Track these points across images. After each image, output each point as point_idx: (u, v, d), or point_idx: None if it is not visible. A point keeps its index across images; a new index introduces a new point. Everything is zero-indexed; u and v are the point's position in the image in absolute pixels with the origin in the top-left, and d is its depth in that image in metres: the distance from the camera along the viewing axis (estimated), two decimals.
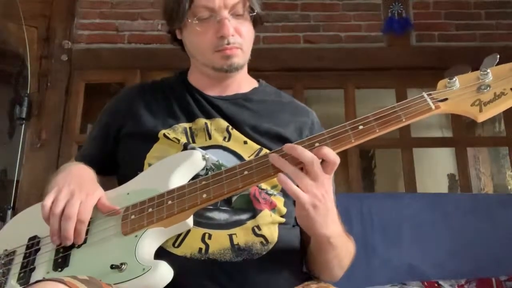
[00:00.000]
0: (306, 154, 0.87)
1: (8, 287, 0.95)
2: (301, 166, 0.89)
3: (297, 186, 0.88)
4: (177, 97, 1.17)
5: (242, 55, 1.12)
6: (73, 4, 2.99)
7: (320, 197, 0.88)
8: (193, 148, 1.05)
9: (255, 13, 1.14)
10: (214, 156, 1.05)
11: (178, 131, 1.09)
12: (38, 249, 0.98)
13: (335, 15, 3.01)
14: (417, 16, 2.99)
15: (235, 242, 0.97)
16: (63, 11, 2.96)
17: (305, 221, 0.92)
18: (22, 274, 0.95)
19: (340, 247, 0.97)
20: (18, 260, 0.99)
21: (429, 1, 3.04)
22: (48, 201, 0.94)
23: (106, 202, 0.98)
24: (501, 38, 2.89)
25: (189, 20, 1.10)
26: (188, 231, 0.96)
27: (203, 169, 1.02)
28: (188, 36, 1.15)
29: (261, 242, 0.99)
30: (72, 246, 0.95)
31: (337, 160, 0.88)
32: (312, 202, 0.87)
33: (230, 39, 1.08)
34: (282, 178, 0.88)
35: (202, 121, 1.11)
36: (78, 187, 0.97)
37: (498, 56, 0.92)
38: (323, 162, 0.89)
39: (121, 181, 1.09)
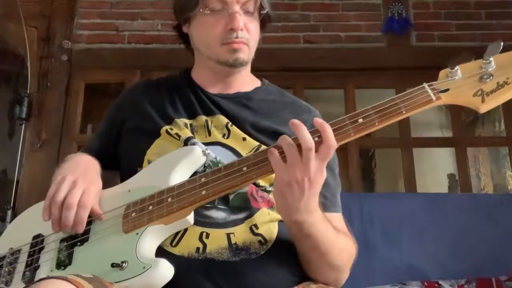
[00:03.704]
0: (306, 135, 0.85)
1: (14, 285, 0.96)
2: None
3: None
4: (180, 94, 1.18)
5: (247, 52, 1.13)
6: (73, 4, 2.99)
7: (299, 179, 0.85)
8: (194, 144, 1.05)
9: (266, 11, 1.15)
10: (213, 152, 1.05)
11: (179, 125, 1.09)
12: (42, 248, 0.99)
13: (335, 15, 3.01)
14: (417, 16, 2.99)
15: (232, 241, 0.96)
16: (63, 11, 2.96)
17: (278, 199, 0.90)
18: (27, 273, 0.96)
19: (318, 237, 0.93)
20: (23, 258, 0.99)
21: (429, 1, 3.04)
22: (51, 191, 0.95)
23: (96, 204, 0.99)
24: (501, 38, 2.87)
25: (201, 10, 1.11)
26: (186, 230, 0.96)
27: (201, 166, 1.02)
28: (196, 27, 1.16)
29: (259, 241, 0.98)
30: (75, 244, 0.96)
31: (333, 144, 0.85)
32: (288, 181, 0.86)
33: (238, 33, 1.09)
34: (271, 151, 0.87)
35: (202, 118, 1.12)
36: (82, 176, 0.98)
37: (502, 43, 0.90)
38: (320, 144, 0.86)
39: (122, 176, 1.10)
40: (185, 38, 1.23)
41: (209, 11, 1.11)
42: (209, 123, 1.11)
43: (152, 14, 2.98)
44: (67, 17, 2.96)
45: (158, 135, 1.09)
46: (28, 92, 2.79)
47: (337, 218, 1.11)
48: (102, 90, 2.95)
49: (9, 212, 2.61)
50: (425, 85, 0.90)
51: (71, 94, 2.84)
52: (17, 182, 2.69)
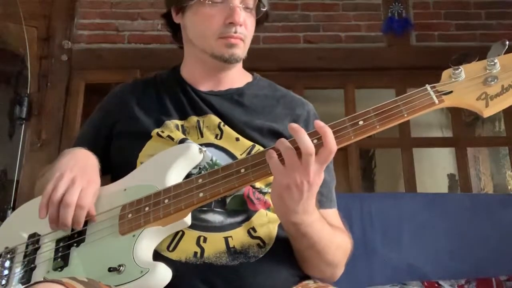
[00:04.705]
0: (306, 141, 0.83)
1: (10, 286, 0.95)
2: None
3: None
4: (169, 93, 1.15)
5: (243, 48, 1.11)
6: (73, 4, 2.99)
7: (298, 183, 0.84)
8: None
9: (265, 9, 1.13)
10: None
11: (170, 128, 1.07)
12: (38, 248, 0.98)
13: (335, 15, 3.01)
14: (417, 16, 2.99)
15: (231, 245, 0.95)
16: (63, 11, 2.96)
17: (276, 201, 0.90)
18: (23, 274, 0.95)
19: (314, 237, 0.93)
20: (19, 258, 0.98)
21: (429, 1, 3.04)
22: (49, 188, 0.93)
23: (92, 204, 0.97)
24: (501, 38, 2.87)
25: (201, 0, 1.08)
26: (183, 234, 0.94)
27: (195, 168, 1.00)
28: (192, 18, 1.12)
29: (258, 245, 0.97)
30: (71, 245, 0.95)
31: (334, 148, 0.84)
32: (287, 184, 0.85)
33: (237, 28, 1.07)
34: (270, 153, 0.86)
35: (194, 119, 1.09)
36: (80, 173, 0.96)
37: (507, 42, 0.87)
38: (319, 147, 0.84)
39: (115, 180, 1.07)
40: (174, 28, 1.20)
41: (210, 2, 1.08)
42: (201, 123, 1.08)
43: (152, 14, 2.97)
44: (67, 17, 2.96)
45: (149, 137, 1.07)
46: (28, 92, 2.78)
47: (333, 214, 1.10)
48: (102, 90, 2.93)
49: (9, 212, 2.61)
50: (428, 87, 0.87)
51: (71, 94, 2.84)
52: (17, 182, 2.68)
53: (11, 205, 2.63)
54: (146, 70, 2.81)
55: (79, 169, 0.98)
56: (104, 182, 1.04)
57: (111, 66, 2.89)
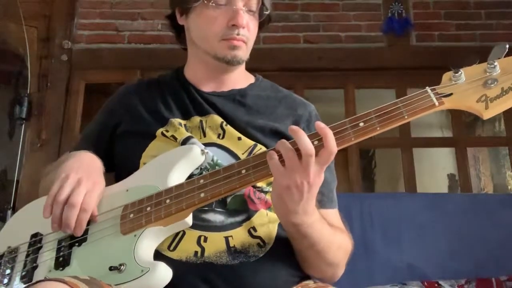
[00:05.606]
0: (306, 142, 0.84)
1: (12, 285, 0.95)
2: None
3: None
4: (173, 94, 1.16)
5: (245, 50, 1.12)
6: (73, 4, 2.99)
7: (298, 183, 0.85)
8: (193, 143, 1.03)
9: (268, 12, 1.14)
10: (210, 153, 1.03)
11: (175, 125, 1.08)
12: (40, 247, 0.98)
13: (335, 15, 3.01)
14: (417, 16, 2.99)
15: (231, 245, 0.95)
16: (63, 11, 2.96)
17: (276, 202, 0.90)
18: (25, 273, 0.96)
19: (314, 237, 0.94)
20: (21, 258, 0.99)
21: (429, 1, 3.04)
22: (54, 188, 0.94)
23: (95, 206, 0.97)
24: (501, 38, 2.88)
25: (205, 2, 1.09)
26: (184, 234, 0.95)
27: (197, 169, 1.01)
28: (195, 19, 1.13)
29: (258, 244, 0.98)
30: (73, 244, 0.95)
31: (334, 150, 0.85)
32: (287, 185, 0.85)
33: (240, 31, 1.08)
34: (270, 154, 0.87)
35: (196, 119, 1.10)
36: (86, 175, 0.97)
37: (507, 46, 0.87)
38: (320, 148, 0.85)
39: (118, 180, 1.08)
40: (177, 30, 1.21)
41: (213, 4, 1.09)
42: (204, 123, 1.09)
43: (152, 14, 2.98)
44: (67, 17, 2.96)
45: (153, 137, 1.07)
46: (28, 92, 2.79)
47: (333, 214, 1.11)
48: (102, 90, 2.94)
49: (9, 212, 2.61)
50: (428, 89, 0.89)
51: (71, 94, 2.84)
52: (17, 182, 2.69)
53: (11, 205, 2.63)
54: (146, 70, 2.82)
55: (84, 171, 0.98)
56: (107, 182, 1.05)
57: (111, 66, 2.89)
